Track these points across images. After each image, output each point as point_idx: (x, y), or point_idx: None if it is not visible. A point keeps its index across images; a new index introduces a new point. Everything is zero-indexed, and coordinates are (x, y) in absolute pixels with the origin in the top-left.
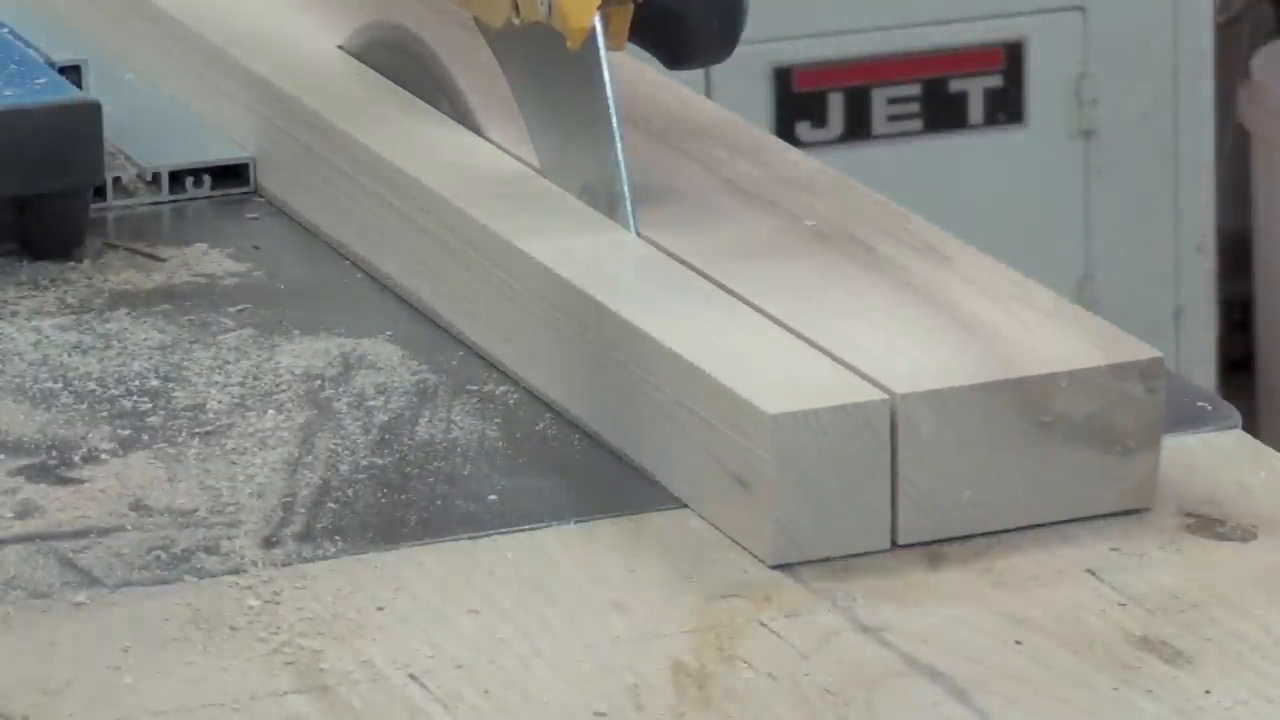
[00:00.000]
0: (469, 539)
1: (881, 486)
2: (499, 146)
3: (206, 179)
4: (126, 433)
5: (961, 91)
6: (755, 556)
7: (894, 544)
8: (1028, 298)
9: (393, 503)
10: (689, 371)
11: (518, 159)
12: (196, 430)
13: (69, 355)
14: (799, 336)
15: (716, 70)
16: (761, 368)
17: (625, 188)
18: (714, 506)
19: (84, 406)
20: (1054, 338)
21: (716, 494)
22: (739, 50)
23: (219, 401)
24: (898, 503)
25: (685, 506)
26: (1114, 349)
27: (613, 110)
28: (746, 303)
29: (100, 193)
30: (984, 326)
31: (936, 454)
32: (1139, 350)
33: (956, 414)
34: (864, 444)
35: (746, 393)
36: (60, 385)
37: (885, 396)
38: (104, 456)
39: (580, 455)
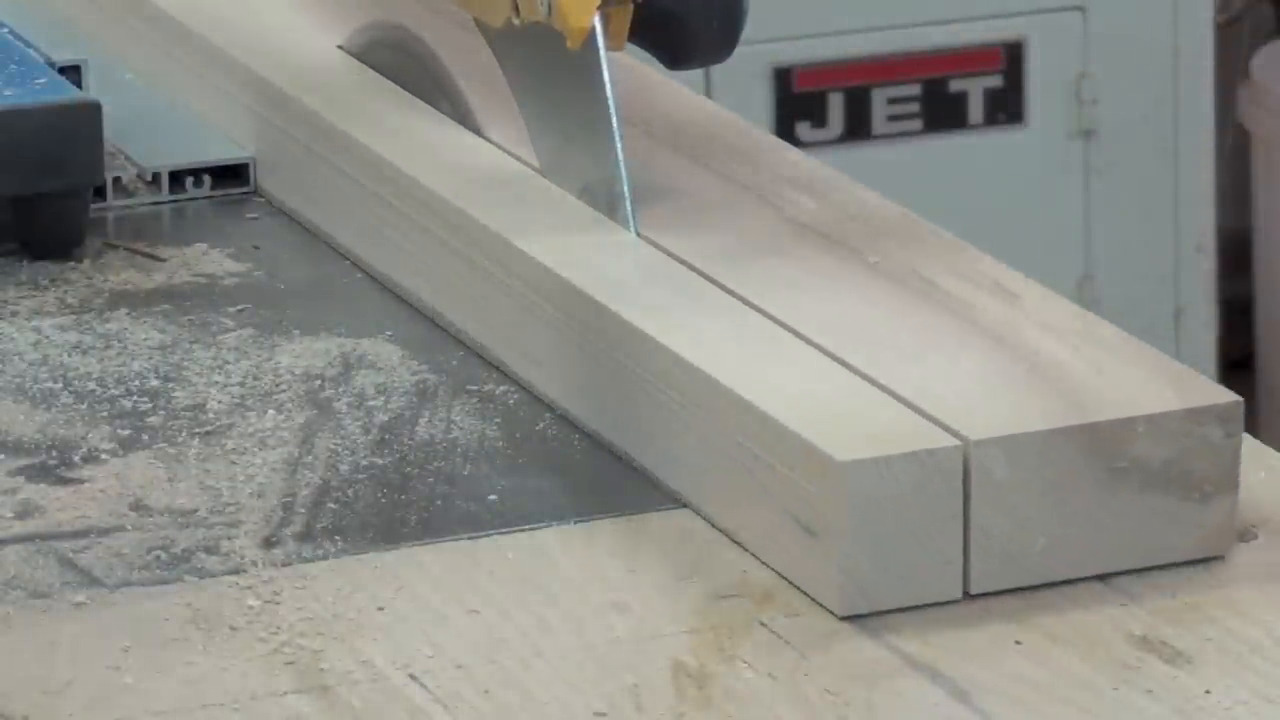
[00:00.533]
0: (469, 539)
1: (953, 535)
2: (499, 146)
3: (206, 179)
4: (126, 433)
5: (961, 91)
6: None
7: (966, 594)
8: (1099, 337)
9: (393, 503)
10: (749, 411)
11: (518, 159)
12: (196, 430)
13: (69, 355)
14: (852, 370)
15: (716, 70)
16: (824, 408)
17: (625, 188)
18: (777, 552)
19: (84, 406)
20: (1128, 380)
21: (779, 539)
22: (739, 50)
23: (219, 401)
24: (970, 552)
25: (685, 506)
26: (1191, 392)
27: (613, 110)
28: (755, 307)
29: (100, 193)
30: (1056, 368)
31: (1010, 501)
32: (1217, 394)
33: (1031, 460)
34: (936, 491)
35: (814, 437)
36: (60, 385)
37: (958, 442)
38: (104, 456)
39: (580, 455)
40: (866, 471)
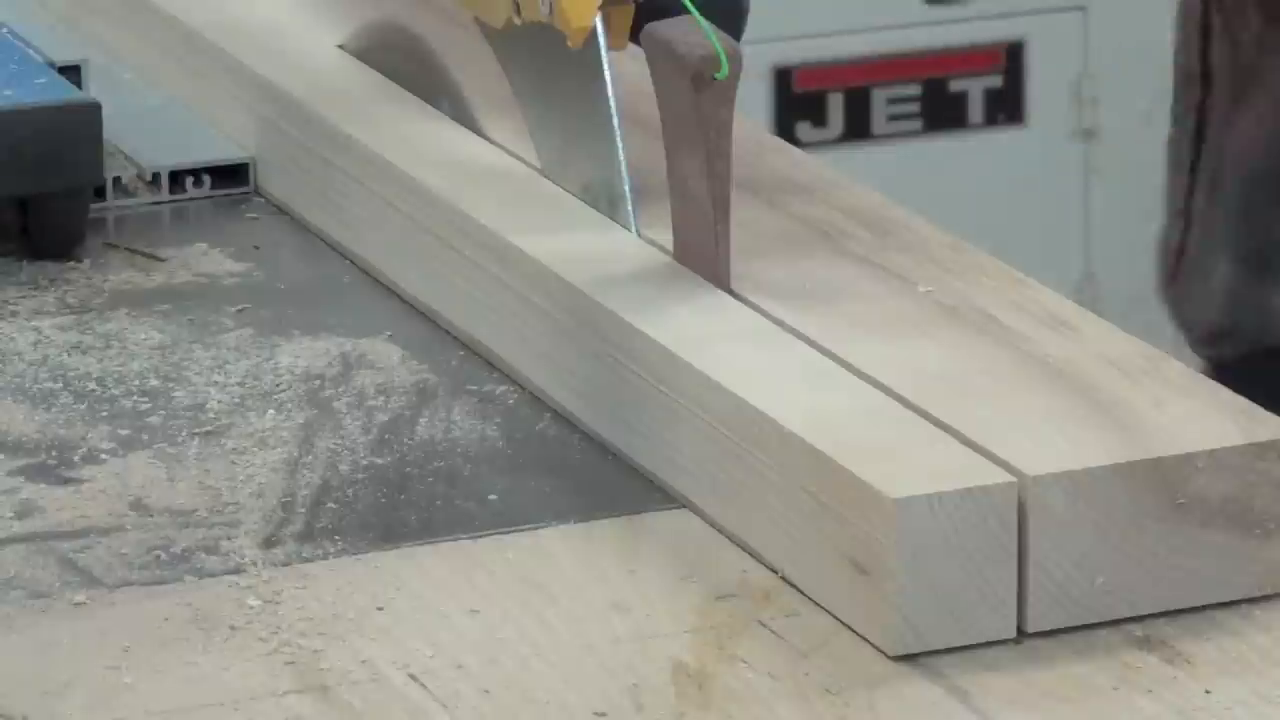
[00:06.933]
0: (469, 539)
1: (1008, 573)
2: (499, 146)
3: (206, 179)
4: (126, 433)
5: (961, 91)
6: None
7: (1021, 632)
8: (1159, 371)
9: (393, 503)
10: (792, 442)
11: (518, 159)
12: (196, 430)
13: (69, 355)
14: (905, 404)
15: None
16: (869, 440)
17: (626, 188)
18: (826, 588)
19: (84, 406)
20: (1189, 414)
21: (829, 575)
22: None
23: (219, 401)
24: (1026, 590)
25: (684, 507)
26: (1252, 427)
27: (613, 110)
28: (771, 318)
29: (100, 193)
30: (1114, 402)
31: (1067, 538)
32: (1279, 428)
33: (1089, 496)
34: (990, 529)
35: (864, 472)
36: (60, 385)
37: (1013, 479)
38: (104, 456)
39: (580, 455)
40: (919, 508)
